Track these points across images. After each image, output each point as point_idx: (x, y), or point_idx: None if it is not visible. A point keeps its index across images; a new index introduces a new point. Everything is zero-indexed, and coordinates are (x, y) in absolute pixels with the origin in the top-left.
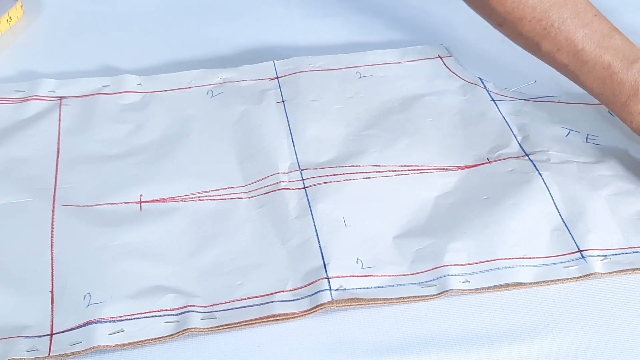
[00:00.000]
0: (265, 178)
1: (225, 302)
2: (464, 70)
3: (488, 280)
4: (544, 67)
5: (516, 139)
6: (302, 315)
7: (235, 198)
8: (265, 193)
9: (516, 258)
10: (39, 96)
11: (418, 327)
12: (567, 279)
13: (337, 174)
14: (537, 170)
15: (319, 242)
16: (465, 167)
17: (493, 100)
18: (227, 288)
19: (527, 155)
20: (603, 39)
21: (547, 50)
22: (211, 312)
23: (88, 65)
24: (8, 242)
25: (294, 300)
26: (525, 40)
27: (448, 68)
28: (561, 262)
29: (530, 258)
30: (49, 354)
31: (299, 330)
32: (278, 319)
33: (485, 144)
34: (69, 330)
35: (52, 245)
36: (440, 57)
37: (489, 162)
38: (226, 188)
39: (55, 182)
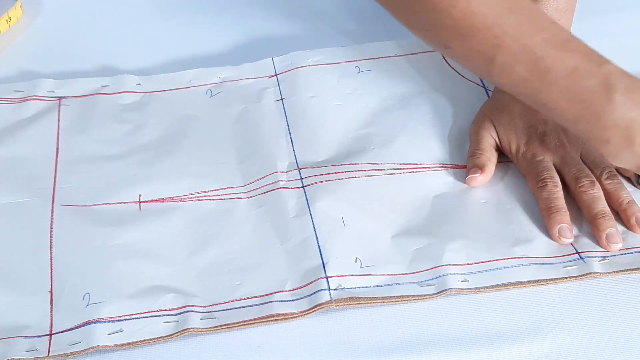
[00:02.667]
0: (264, 177)
1: (225, 302)
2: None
3: (487, 279)
4: None
5: None
6: (302, 315)
7: (234, 198)
8: (264, 193)
9: (515, 258)
10: (38, 96)
11: (418, 327)
12: (566, 277)
13: (335, 172)
14: None
15: (317, 241)
16: (465, 166)
17: None
18: (226, 288)
19: None
20: (565, 43)
21: (504, 64)
22: (210, 312)
23: (87, 65)
24: (7, 242)
25: (293, 300)
26: (478, 56)
27: (448, 63)
28: (560, 262)
29: (529, 257)
30: (49, 354)
31: (299, 330)
32: (277, 319)
33: None
34: (68, 330)
35: (51, 245)
36: None
37: None
38: (225, 188)
39: (55, 182)
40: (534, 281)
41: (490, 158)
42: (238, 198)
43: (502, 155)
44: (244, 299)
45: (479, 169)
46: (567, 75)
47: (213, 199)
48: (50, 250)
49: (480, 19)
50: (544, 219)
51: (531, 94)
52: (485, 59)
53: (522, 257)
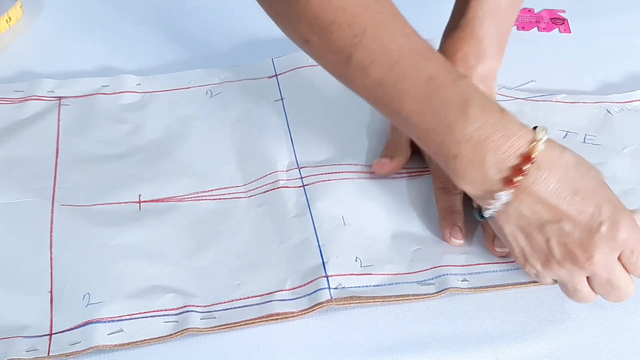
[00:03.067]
0: (264, 177)
1: (225, 302)
2: None
3: (487, 279)
4: (543, 66)
5: None
6: (301, 315)
7: (234, 198)
8: (264, 192)
9: None
10: (38, 96)
11: (418, 327)
12: None
13: (335, 172)
14: None
15: (317, 240)
16: None
17: None
18: (226, 288)
19: None
20: (424, 52)
21: (360, 64)
22: (210, 311)
23: (87, 65)
24: (7, 242)
25: (293, 299)
26: (335, 53)
27: None
28: None
29: None
30: (49, 354)
31: (299, 330)
32: (277, 319)
33: None
34: (68, 330)
35: (51, 245)
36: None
37: None
38: (225, 188)
39: (55, 182)
40: (534, 281)
41: (402, 153)
42: (238, 198)
43: None
44: (244, 299)
45: (389, 157)
46: (423, 83)
47: (213, 199)
48: (50, 250)
49: (340, 14)
50: (439, 220)
51: (384, 100)
52: (342, 57)
53: None
